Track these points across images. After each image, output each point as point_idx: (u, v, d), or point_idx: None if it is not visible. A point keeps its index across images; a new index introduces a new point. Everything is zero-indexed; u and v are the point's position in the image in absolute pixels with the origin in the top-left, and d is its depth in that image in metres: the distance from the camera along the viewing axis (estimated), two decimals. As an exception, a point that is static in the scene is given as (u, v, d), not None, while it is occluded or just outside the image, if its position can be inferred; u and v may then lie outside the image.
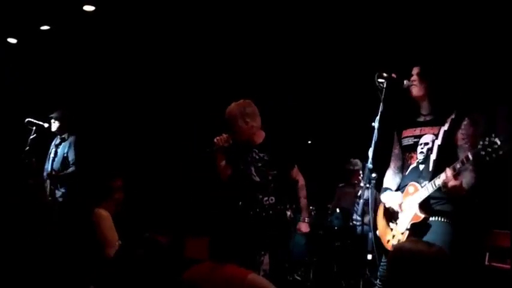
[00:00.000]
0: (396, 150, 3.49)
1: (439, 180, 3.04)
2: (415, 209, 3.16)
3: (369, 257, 3.31)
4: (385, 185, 3.47)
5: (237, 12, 5.82)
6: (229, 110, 4.03)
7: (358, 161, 6.01)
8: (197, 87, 6.89)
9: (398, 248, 2.19)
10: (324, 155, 6.73)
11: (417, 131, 3.33)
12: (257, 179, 4.09)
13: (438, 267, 1.92)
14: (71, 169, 5.76)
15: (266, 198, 4.04)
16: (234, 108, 4.02)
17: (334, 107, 6.62)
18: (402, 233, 3.18)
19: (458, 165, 2.96)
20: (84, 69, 6.86)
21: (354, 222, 5.59)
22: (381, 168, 3.66)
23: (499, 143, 2.80)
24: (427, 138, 3.25)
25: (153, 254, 2.77)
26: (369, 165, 3.18)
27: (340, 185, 6.17)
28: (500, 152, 2.81)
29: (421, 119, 3.36)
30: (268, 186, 4.07)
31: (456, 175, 2.98)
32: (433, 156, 3.19)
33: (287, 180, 4.14)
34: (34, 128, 5.74)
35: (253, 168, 4.10)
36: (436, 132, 3.21)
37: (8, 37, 6.37)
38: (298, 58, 6.35)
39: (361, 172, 5.90)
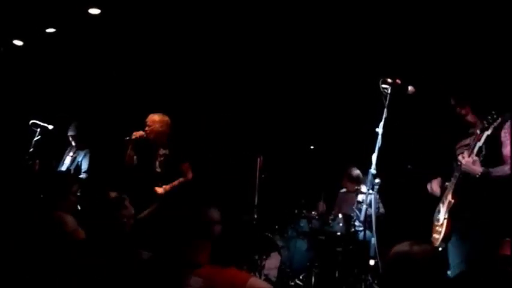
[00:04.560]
0: None
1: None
2: (449, 196, 3.17)
3: (371, 262, 3.29)
4: None
5: (237, 19, 5.85)
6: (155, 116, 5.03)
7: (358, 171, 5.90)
8: (204, 90, 6.90)
9: (394, 251, 2.20)
10: (327, 160, 6.70)
11: (467, 141, 3.41)
12: (158, 170, 4.96)
13: (424, 266, 1.93)
14: (82, 175, 5.88)
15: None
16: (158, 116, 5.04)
17: (338, 112, 6.61)
18: (441, 224, 3.17)
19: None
20: (89, 71, 6.88)
21: (357, 228, 5.57)
22: (384, 174, 3.64)
23: None
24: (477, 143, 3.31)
25: (158, 258, 2.76)
26: (372, 170, 3.18)
27: (342, 190, 6.13)
28: None
29: (471, 130, 3.41)
30: (168, 177, 4.92)
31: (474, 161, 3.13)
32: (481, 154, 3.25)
33: (178, 171, 4.99)
34: (39, 129, 5.77)
35: (157, 162, 4.96)
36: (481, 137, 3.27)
37: (14, 39, 6.40)
38: (302, 63, 6.35)
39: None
